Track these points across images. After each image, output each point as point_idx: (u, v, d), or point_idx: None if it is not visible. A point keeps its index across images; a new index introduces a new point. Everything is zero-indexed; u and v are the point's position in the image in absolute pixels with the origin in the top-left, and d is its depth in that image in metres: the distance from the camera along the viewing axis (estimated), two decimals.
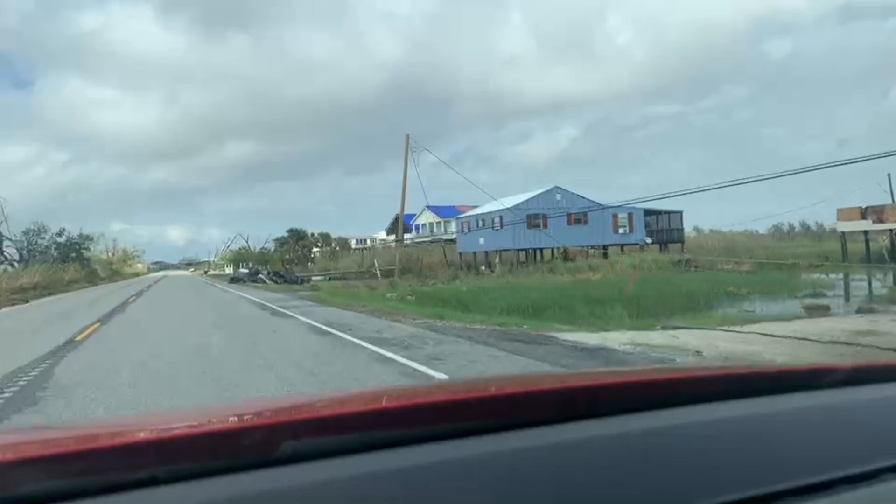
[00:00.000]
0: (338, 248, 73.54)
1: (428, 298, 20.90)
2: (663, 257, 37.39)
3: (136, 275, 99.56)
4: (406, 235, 51.76)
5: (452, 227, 55.50)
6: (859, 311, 14.66)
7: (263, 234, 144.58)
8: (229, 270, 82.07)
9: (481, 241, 43.71)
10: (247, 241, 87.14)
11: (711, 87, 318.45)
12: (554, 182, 47.00)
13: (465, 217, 48.10)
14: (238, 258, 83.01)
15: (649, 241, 43.44)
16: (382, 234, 78.38)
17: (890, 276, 27.76)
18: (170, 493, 0.69)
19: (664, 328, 11.01)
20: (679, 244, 45.03)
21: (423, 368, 7.49)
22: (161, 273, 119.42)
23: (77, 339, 11.54)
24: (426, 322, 12.83)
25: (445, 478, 0.77)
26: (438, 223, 66.28)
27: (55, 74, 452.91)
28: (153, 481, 0.70)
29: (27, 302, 29.17)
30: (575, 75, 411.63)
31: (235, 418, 0.92)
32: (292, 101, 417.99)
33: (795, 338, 9.11)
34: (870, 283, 26.46)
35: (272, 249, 74.02)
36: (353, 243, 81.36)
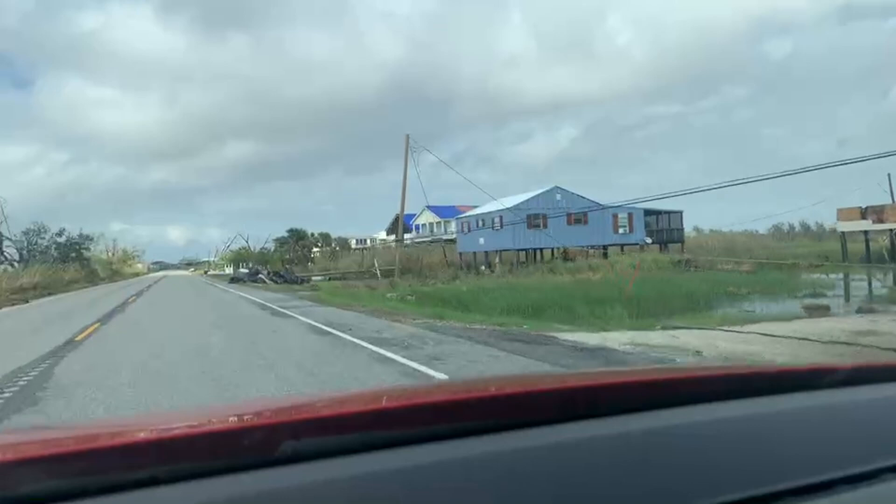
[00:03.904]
0: (338, 248, 73.52)
1: (428, 298, 20.89)
2: (663, 257, 37.37)
3: (136, 275, 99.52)
4: (406, 235, 51.75)
5: (452, 227, 55.49)
6: (859, 311, 14.65)
7: (263, 234, 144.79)
8: (229, 270, 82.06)
9: (481, 241, 43.71)
10: (247, 242, 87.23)
11: (711, 87, 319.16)
12: (554, 182, 47.07)
13: (465, 217, 48.09)
14: (238, 258, 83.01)
15: (649, 241, 43.42)
16: (382, 234, 78.36)
17: (890, 276, 27.76)
18: (170, 493, 0.69)
19: (664, 328, 11.01)
20: (679, 244, 45.02)
21: (423, 368, 7.49)
22: (161, 273, 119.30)
23: (77, 339, 11.54)
24: (426, 322, 12.83)
25: (445, 478, 0.77)
26: (438, 223, 66.26)
27: (55, 74, 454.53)
28: (153, 481, 0.70)
29: (27, 302, 29.16)
30: (575, 75, 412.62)
31: (235, 418, 0.92)
32: (292, 101, 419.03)
33: (795, 338, 9.10)
34: (870, 283, 26.46)
35: (272, 249, 74.01)
36: (353, 243, 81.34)
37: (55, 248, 58.69)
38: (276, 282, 42.33)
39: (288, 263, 61.09)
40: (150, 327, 13.71)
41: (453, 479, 0.77)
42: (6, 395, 6.56)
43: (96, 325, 14.25)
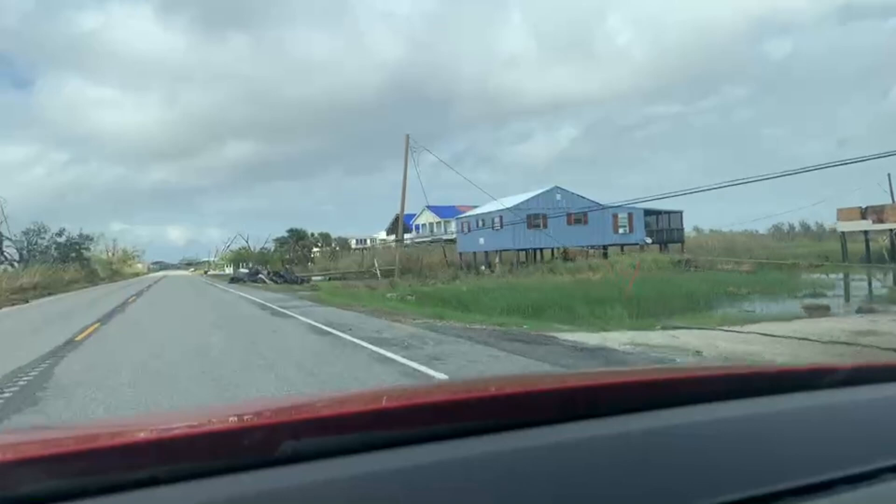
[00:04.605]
0: (338, 248, 73.52)
1: (428, 298, 20.89)
2: (663, 257, 37.37)
3: (136, 275, 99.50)
4: (406, 235, 51.75)
5: (452, 227, 55.49)
6: (859, 311, 14.65)
7: (263, 234, 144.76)
8: (229, 270, 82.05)
9: (481, 241, 43.70)
10: (247, 242, 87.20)
11: (711, 87, 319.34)
12: (554, 182, 47.07)
13: (465, 217, 48.09)
14: (238, 258, 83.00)
15: (649, 241, 43.42)
16: (382, 234, 78.35)
17: (890, 276, 27.76)
18: (170, 493, 0.69)
19: (664, 328, 11.00)
20: (679, 244, 45.01)
21: (423, 368, 7.49)
22: (161, 273, 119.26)
23: (77, 339, 11.54)
24: (426, 322, 12.82)
25: (445, 478, 0.77)
26: (438, 223, 66.26)
27: (55, 74, 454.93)
28: (153, 481, 0.70)
29: (27, 302, 29.16)
30: (575, 75, 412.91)
31: (235, 418, 0.92)
32: (292, 101, 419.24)
33: (795, 338, 9.10)
34: (870, 283, 26.45)
35: (272, 249, 74.01)
36: (353, 243, 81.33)
37: (55, 248, 58.69)
38: (276, 282, 42.32)
39: (288, 263, 61.09)
40: (150, 327, 13.71)
41: (453, 479, 0.76)
42: (6, 395, 6.56)
43: (96, 325, 14.24)
